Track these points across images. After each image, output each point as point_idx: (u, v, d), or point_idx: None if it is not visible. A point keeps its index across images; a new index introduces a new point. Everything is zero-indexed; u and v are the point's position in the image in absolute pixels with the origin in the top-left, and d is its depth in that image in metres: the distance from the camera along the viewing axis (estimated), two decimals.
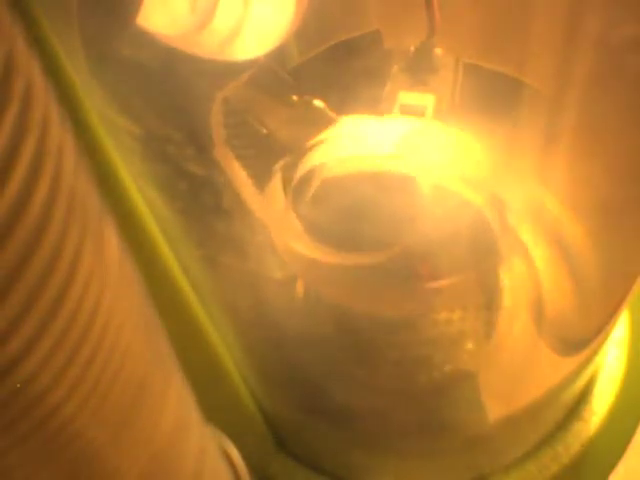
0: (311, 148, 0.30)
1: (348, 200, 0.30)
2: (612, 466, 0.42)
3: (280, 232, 0.32)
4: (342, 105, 0.31)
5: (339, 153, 0.29)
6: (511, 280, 0.38)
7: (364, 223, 0.30)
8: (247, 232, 0.36)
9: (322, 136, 0.30)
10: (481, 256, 0.32)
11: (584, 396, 0.44)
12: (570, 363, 0.38)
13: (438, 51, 0.32)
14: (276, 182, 0.32)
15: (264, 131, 0.31)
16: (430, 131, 0.30)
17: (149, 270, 0.20)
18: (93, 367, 0.15)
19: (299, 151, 0.30)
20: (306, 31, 0.29)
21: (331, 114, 0.30)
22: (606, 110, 0.28)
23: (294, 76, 0.31)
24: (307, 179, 0.30)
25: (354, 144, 0.29)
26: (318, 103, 0.31)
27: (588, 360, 0.39)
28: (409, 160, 0.29)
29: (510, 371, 0.39)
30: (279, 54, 0.29)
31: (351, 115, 0.30)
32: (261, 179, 0.33)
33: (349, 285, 0.33)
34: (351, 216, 0.30)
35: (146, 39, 0.26)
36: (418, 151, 0.29)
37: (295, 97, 0.31)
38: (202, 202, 0.33)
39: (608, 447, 0.43)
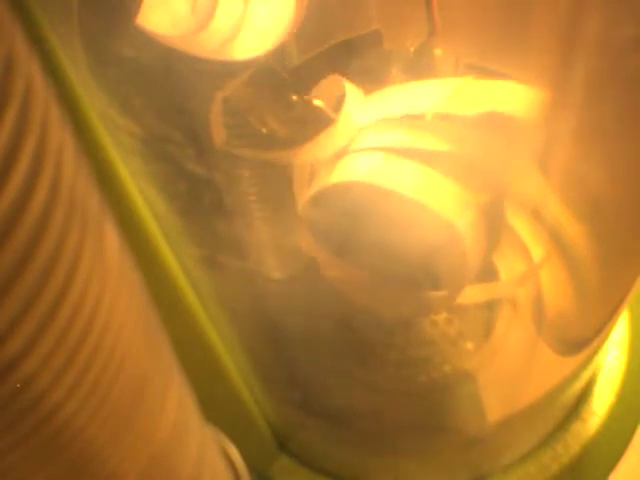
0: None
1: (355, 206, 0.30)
2: (612, 466, 0.42)
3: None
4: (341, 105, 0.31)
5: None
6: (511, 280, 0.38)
7: (369, 228, 0.30)
8: (247, 232, 0.36)
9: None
10: (481, 257, 0.32)
11: (584, 396, 0.44)
12: (570, 363, 0.38)
13: (438, 52, 0.32)
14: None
15: (264, 131, 0.31)
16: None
17: (149, 270, 0.20)
18: (93, 367, 0.15)
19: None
20: (306, 31, 0.29)
21: (330, 114, 0.30)
22: (606, 110, 0.28)
23: (294, 76, 0.31)
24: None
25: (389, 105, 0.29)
26: (318, 103, 0.31)
27: (588, 360, 0.39)
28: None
29: (510, 371, 0.39)
30: (279, 54, 0.29)
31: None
32: (261, 179, 0.33)
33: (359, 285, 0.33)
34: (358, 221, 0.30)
35: (146, 39, 0.26)
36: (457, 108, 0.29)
37: (295, 97, 0.31)
38: (202, 202, 0.33)
39: (608, 447, 0.43)
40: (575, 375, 0.40)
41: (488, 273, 0.35)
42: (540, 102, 0.29)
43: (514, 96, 0.29)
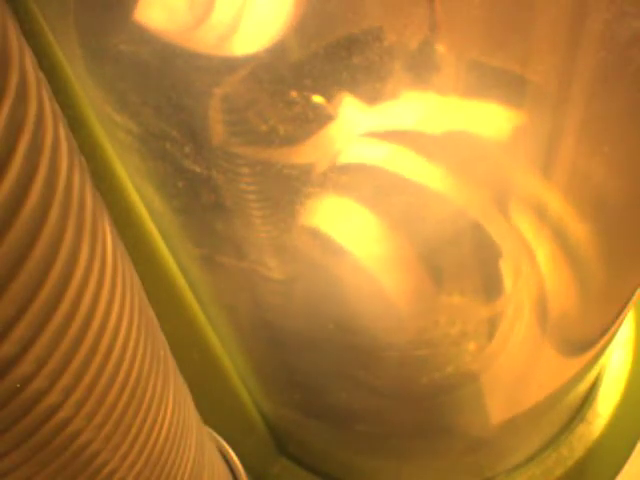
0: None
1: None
2: (617, 469, 0.42)
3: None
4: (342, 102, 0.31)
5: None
6: (514, 281, 0.37)
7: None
8: (245, 231, 0.36)
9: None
10: (484, 258, 0.32)
11: (588, 398, 0.44)
12: (574, 364, 0.38)
13: (440, 48, 0.32)
14: None
15: (263, 128, 0.30)
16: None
17: (147, 269, 0.20)
18: (89, 370, 0.15)
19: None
20: (307, 25, 0.29)
21: (330, 111, 0.30)
22: (611, 106, 0.28)
23: (294, 72, 0.31)
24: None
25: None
26: (318, 99, 0.30)
27: (593, 361, 0.39)
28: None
29: (514, 373, 0.39)
30: (279, 49, 0.29)
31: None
32: (260, 177, 0.33)
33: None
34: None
35: (144, 34, 0.26)
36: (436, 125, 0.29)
37: (295, 94, 0.30)
38: (200, 200, 0.33)
39: (613, 450, 0.43)
40: (580, 376, 0.40)
41: (492, 274, 0.35)
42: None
43: (489, 117, 0.30)
